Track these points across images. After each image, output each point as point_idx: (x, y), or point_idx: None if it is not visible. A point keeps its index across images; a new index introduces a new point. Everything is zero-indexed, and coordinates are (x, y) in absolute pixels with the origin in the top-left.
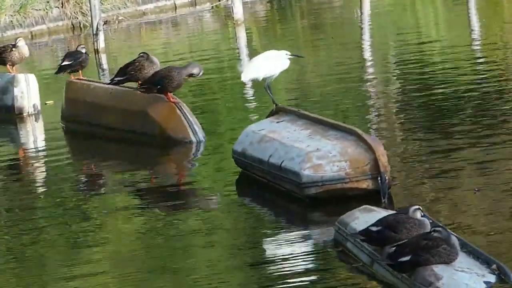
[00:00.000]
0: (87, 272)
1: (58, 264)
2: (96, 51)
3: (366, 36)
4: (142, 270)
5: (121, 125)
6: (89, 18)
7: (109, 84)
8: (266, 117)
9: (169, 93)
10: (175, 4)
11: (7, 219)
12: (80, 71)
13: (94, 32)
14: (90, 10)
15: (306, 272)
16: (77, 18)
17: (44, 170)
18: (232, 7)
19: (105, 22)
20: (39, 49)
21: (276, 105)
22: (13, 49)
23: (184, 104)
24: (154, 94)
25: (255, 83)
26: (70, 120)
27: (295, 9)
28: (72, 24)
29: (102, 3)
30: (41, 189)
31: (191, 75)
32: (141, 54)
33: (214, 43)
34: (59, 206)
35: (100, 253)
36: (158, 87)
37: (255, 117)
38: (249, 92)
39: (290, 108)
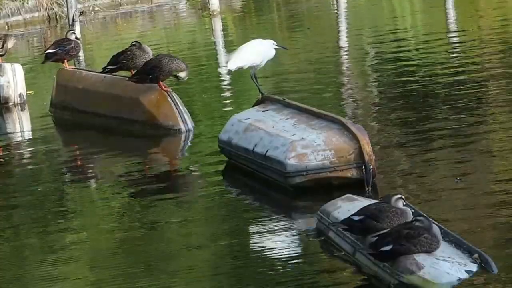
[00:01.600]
0: (64, 259)
1: (34, 252)
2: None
3: (343, 26)
4: (122, 263)
5: (111, 111)
6: (65, 9)
7: (101, 72)
8: (253, 106)
9: (161, 82)
10: None
11: None
12: (65, 61)
13: (70, 23)
14: (66, 1)
15: (288, 261)
16: (53, 9)
17: (30, 160)
18: None
19: (81, 13)
20: (15, 40)
21: (262, 94)
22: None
23: (175, 94)
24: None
25: (234, 72)
26: (59, 107)
27: (271, 0)
28: (48, 15)
29: None
30: (25, 178)
31: (177, 76)
32: (133, 43)
33: (190, 34)
34: (39, 197)
35: (78, 243)
36: (150, 76)
37: (238, 106)
38: (226, 82)
39: (276, 97)
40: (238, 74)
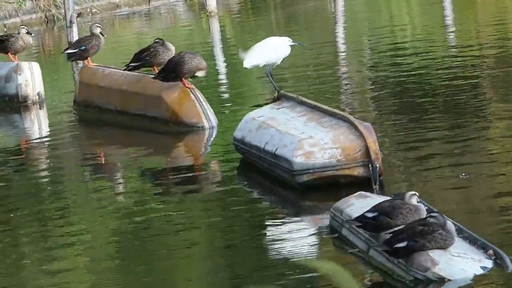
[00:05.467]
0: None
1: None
2: (70, 44)
3: (340, 27)
4: (127, 254)
5: (134, 109)
6: (63, 11)
7: (124, 70)
8: (270, 103)
9: (184, 79)
10: None
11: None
12: (88, 58)
13: (68, 25)
14: (64, 2)
15: (301, 259)
16: (51, 10)
17: (50, 158)
18: None
19: (79, 15)
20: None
21: (278, 91)
22: (17, 37)
23: (198, 90)
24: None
25: (231, 71)
26: (82, 105)
27: (268, 1)
28: (46, 17)
29: None
30: (44, 177)
31: (194, 76)
32: (156, 40)
33: (187, 34)
34: (48, 196)
35: (83, 244)
36: (173, 74)
37: (241, 104)
38: (224, 80)
39: (291, 94)
40: (237, 73)
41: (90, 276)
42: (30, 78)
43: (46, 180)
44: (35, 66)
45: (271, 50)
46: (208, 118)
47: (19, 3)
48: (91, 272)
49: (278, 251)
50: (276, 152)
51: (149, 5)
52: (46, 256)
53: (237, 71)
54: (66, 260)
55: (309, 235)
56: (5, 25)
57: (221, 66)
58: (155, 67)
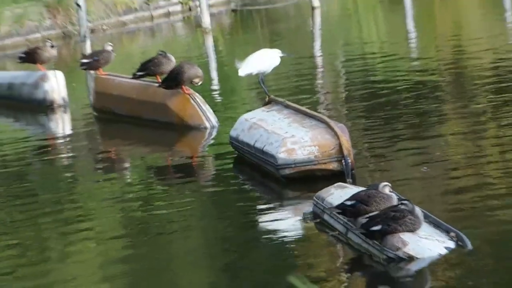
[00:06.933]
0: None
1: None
2: (83, 55)
3: (317, 41)
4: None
5: (146, 115)
6: (77, 27)
7: (131, 78)
8: (262, 107)
9: (183, 86)
10: (151, 15)
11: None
12: (99, 69)
13: (81, 40)
14: (78, 20)
15: (287, 242)
16: (67, 27)
17: (71, 153)
18: (201, 17)
19: (91, 31)
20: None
21: (268, 96)
22: (44, 49)
23: (197, 94)
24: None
25: (224, 81)
26: (100, 112)
27: (255, 19)
28: (63, 33)
29: (88, 14)
30: (63, 170)
31: (191, 82)
32: (160, 53)
33: (185, 48)
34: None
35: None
36: (175, 82)
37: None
38: (217, 90)
39: (279, 99)
40: (229, 81)
41: (99, 269)
42: (56, 85)
43: (65, 173)
44: (59, 74)
45: (263, 60)
46: (208, 119)
47: (40, 21)
48: (100, 265)
49: (268, 236)
50: (264, 149)
51: (152, 22)
52: (64, 250)
53: (229, 79)
54: (79, 254)
55: (294, 221)
56: (27, 40)
57: (215, 75)
58: (157, 76)
